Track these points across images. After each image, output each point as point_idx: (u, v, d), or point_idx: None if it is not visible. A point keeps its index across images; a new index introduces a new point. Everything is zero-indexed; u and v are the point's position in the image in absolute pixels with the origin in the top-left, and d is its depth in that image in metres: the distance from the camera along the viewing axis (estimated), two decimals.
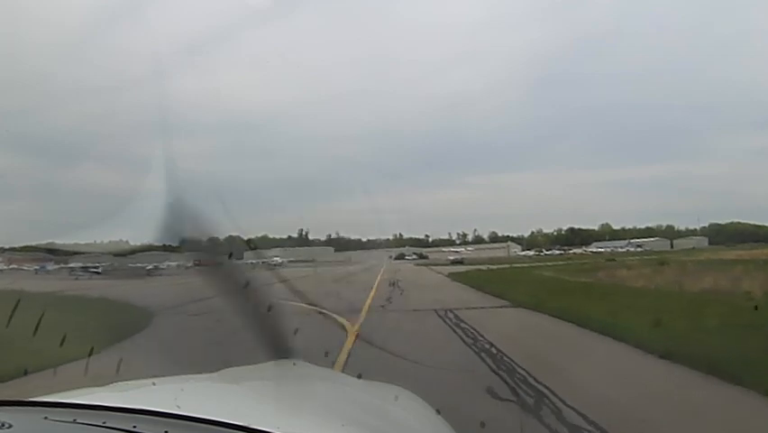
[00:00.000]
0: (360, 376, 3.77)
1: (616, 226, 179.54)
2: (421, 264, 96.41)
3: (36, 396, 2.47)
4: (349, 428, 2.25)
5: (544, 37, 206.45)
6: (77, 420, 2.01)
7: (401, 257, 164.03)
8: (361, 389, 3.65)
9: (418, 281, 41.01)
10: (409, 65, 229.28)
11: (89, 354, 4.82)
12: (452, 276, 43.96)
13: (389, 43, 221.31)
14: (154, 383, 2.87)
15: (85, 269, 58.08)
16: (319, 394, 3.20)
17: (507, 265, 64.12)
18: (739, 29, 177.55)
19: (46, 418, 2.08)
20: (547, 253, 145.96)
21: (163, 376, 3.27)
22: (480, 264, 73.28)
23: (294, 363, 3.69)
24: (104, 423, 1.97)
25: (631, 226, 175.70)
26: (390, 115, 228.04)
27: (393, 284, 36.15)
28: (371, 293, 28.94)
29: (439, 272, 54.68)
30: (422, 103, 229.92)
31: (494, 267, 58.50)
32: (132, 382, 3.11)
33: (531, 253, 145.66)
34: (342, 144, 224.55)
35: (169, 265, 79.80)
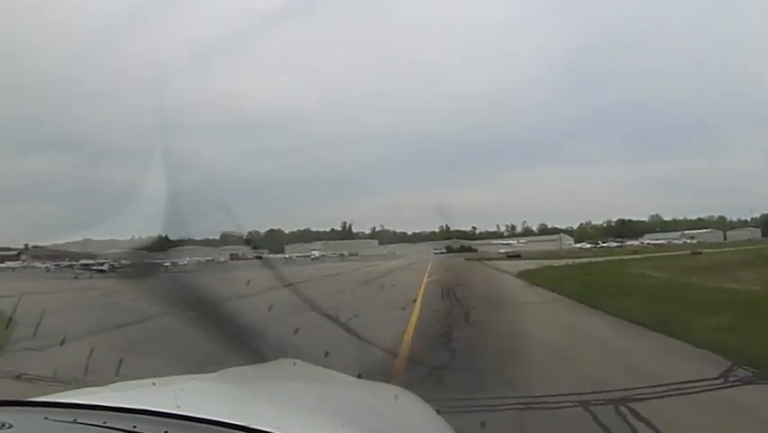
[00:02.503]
0: (360, 376, 3.78)
1: (666, 217, 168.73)
2: (472, 259, 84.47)
3: (36, 396, 2.50)
4: (349, 428, 2.21)
5: (582, 31, 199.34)
6: (78, 420, 2.00)
7: (449, 250, 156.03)
8: (361, 389, 3.59)
9: (484, 288, 28.70)
10: (448, 61, 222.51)
11: None
12: (525, 277, 33.67)
13: (426, 41, 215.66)
14: (154, 383, 2.82)
15: (86, 266, 48.12)
16: (319, 394, 3.15)
17: (576, 260, 52.06)
18: None
19: (46, 418, 2.07)
20: (603, 245, 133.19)
21: (163, 376, 3.21)
22: (540, 258, 62.96)
23: (294, 363, 3.89)
24: (104, 423, 1.96)
25: (681, 217, 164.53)
26: (429, 111, 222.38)
27: (448, 294, 24.06)
28: (411, 319, 16.00)
29: (502, 270, 43.27)
30: (465, 98, 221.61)
31: (561, 262, 47.62)
32: (132, 382, 3.11)
33: (587, 245, 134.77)
34: (384, 138, 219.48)
35: (191, 261, 72.58)
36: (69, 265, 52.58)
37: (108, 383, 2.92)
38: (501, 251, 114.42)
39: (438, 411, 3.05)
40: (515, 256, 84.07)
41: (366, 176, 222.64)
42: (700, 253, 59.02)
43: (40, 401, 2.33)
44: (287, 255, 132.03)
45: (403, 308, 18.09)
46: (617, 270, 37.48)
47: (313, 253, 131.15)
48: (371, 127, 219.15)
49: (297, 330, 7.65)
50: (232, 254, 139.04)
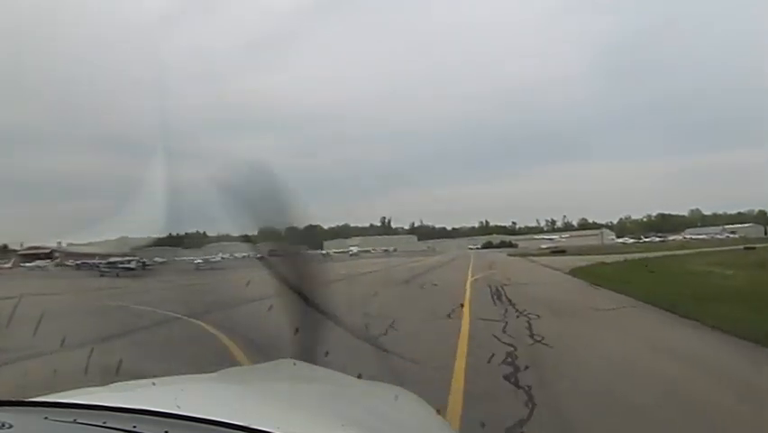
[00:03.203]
0: (360, 376, 3.57)
1: (706, 212, 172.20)
2: (514, 255, 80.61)
3: (36, 396, 2.41)
4: (349, 428, 2.14)
5: (619, 24, 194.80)
6: (78, 420, 1.97)
7: (489, 245, 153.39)
8: (361, 389, 3.46)
9: (538, 289, 23.64)
10: (486, 55, 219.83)
11: None
12: (580, 275, 29.90)
13: (464, 35, 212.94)
14: (154, 383, 2.78)
15: (111, 264, 45.53)
16: (319, 394, 3.07)
17: (627, 256, 48.08)
18: None
19: (46, 418, 2.04)
20: (646, 240, 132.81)
21: (163, 377, 3.19)
22: (586, 254, 59.78)
23: (294, 363, 3.70)
24: (104, 423, 1.92)
25: (721, 212, 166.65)
26: (470, 105, 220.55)
27: (498, 296, 20.25)
28: (460, 333, 12.30)
29: (551, 267, 39.67)
30: (507, 91, 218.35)
31: (613, 258, 44.82)
32: (132, 382, 3.09)
33: (629, 240, 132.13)
34: (424, 133, 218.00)
35: (224, 257, 71.02)
36: (96, 264, 50.12)
37: (108, 383, 2.81)
38: (543, 246, 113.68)
39: (438, 411, 3.05)
40: (559, 252, 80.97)
41: (405, 171, 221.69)
42: (753, 247, 56.14)
43: (40, 401, 2.27)
44: (324, 251, 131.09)
45: (449, 316, 14.84)
46: (680, 267, 33.88)
47: (351, 249, 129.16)
48: (411, 122, 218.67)
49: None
50: (269, 251, 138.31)
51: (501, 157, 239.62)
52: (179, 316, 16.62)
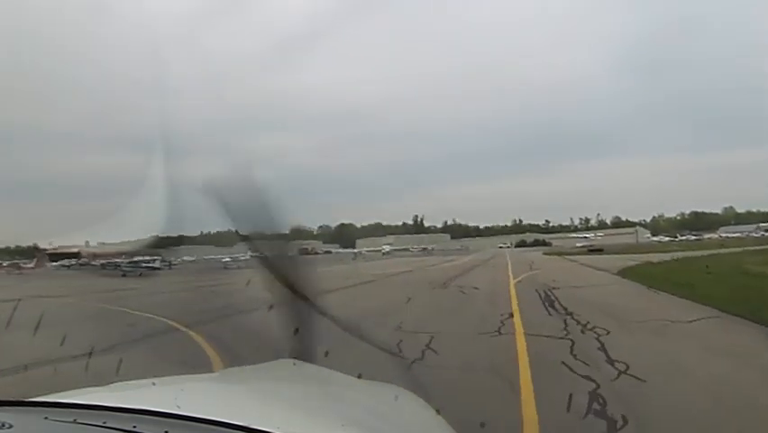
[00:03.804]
0: (360, 376, 3.40)
1: (739, 210, 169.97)
2: (551, 254, 77.37)
3: (36, 396, 2.37)
4: (349, 428, 2.11)
5: (653, 17, 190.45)
6: (78, 420, 1.95)
7: (522, 244, 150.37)
8: (361, 389, 3.38)
9: (592, 294, 19.93)
10: (517, 54, 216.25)
11: None
12: (631, 277, 27.06)
13: (495, 31, 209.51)
14: (154, 383, 2.74)
15: (134, 264, 43.60)
16: (319, 394, 3.02)
17: (672, 255, 44.93)
18: None
19: (46, 418, 2.02)
20: (681, 238, 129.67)
21: (163, 376, 3.16)
22: (624, 253, 57.30)
23: (294, 363, 3.60)
24: (104, 423, 1.91)
25: (755, 209, 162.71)
26: (503, 101, 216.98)
27: (551, 303, 17.08)
28: (518, 358, 9.42)
29: (595, 267, 36.68)
30: (535, 89, 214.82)
31: (658, 257, 41.89)
32: (132, 382, 3.06)
33: (665, 238, 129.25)
34: (456, 131, 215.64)
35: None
36: (115, 264, 48.32)
37: (108, 383, 2.78)
38: (578, 244, 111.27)
39: (438, 411, 2.85)
40: (597, 250, 77.77)
41: (437, 169, 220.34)
42: None
43: (40, 401, 2.24)
44: (356, 250, 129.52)
45: (499, 332, 12.08)
46: (736, 267, 30.26)
47: (384, 247, 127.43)
48: (441, 120, 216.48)
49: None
50: (301, 249, 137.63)
51: (534, 155, 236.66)
52: (176, 325, 14.48)
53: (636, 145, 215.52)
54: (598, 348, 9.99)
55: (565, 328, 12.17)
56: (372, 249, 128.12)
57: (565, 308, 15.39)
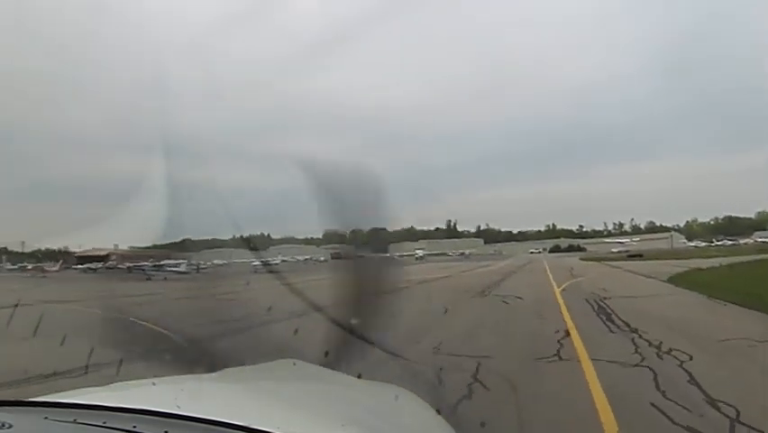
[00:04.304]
0: (360, 376, 3.40)
1: None
2: (588, 259, 74.49)
3: (36, 396, 2.37)
4: (349, 428, 2.11)
5: (683, 16, 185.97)
6: (78, 420, 1.94)
7: (556, 249, 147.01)
8: (361, 389, 3.33)
9: (649, 305, 17.59)
10: (552, 55, 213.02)
11: None
12: (685, 284, 24.66)
13: (526, 35, 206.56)
14: (154, 383, 2.76)
15: (159, 267, 42.01)
16: (319, 394, 3.02)
17: (719, 260, 41.99)
18: None
19: (46, 418, 2.01)
20: (717, 243, 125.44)
21: (163, 376, 3.21)
22: (665, 258, 54.44)
23: (294, 363, 3.65)
24: (104, 423, 1.90)
25: None
26: (537, 103, 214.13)
27: (608, 318, 14.48)
28: (595, 407, 6.68)
29: (641, 274, 34.45)
30: (570, 91, 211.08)
31: (706, 263, 39.01)
32: (132, 382, 3.07)
33: (701, 243, 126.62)
34: (489, 134, 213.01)
35: (284, 260, 67.87)
36: (141, 267, 46.86)
37: (108, 383, 2.79)
38: (614, 250, 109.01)
39: (438, 411, 2.86)
40: (636, 256, 75.25)
41: (471, 173, 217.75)
42: None
43: (40, 401, 2.24)
44: (389, 255, 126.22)
45: (558, 355, 9.87)
46: None
47: (417, 252, 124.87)
48: (475, 122, 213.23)
49: None
50: (333, 253, 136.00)
51: (567, 158, 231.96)
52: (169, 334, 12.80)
53: (668, 148, 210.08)
54: (689, 381, 7.84)
55: (637, 351, 10.01)
56: (405, 254, 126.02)
57: (627, 324, 13.18)
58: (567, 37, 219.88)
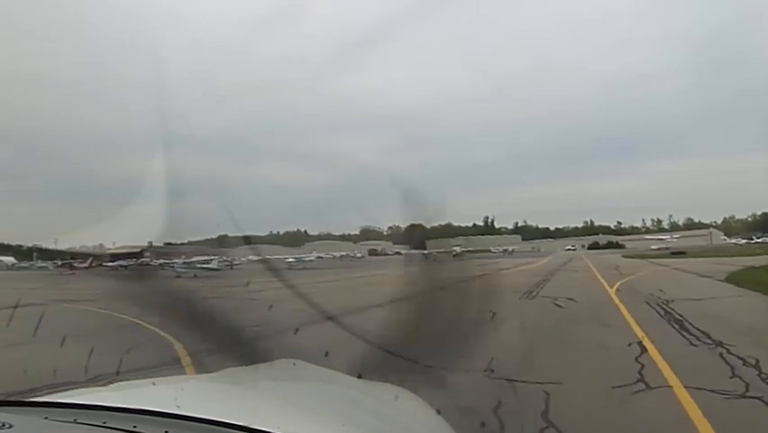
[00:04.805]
0: (359, 376, 3.31)
1: None
2: (630, 257, 71.22)
3: (36, 396, 2.42)
4: (349, 428, 2.10)
5: (724, 9, 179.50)
6: (78, 420, 1.90)
7: (595, 246, 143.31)
8: (361, 389, 3.21)
9: (718, 308, 15.76)
10: (589, 49, 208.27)
11: None
12: (748, 285, 22.19)
13: (565, 27, 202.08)
14: (154, 383, 2.75)
15: (189, 264, 40.30)
16: (319, 394, 2.93)
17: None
18: None
19: (46, 418, 1.96)
20: (758, 240, 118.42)
21: (163, 376, 3.53)
22: (707, 256, 51.59)
23: (294, 363, 3.56)
24: (104, 423, 1.85)
25: None
26: (574, 99, 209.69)
27: (680, 325, 12.39)
28: None
29: (691, 272, 31.93)
30: (608, 86, 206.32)
31: (758, 261, 35.96)
32: (132, 382, 3.04)
33: (741, 240, 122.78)
34: (527, 130, 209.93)
35: (319, 257, 66.61)
36: (171, 263, 45.38)
37: (108, 383, 2.71)
38: (654, 247, 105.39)
39: (438, 411, 2.78)
40: (679, 253, 72.25)
41: (508, 169, 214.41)
42: None
43: (40, 401, 2.20)
44: (426, 251, 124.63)
45: (643, 382, 7.68)
46: None
47: (454, 248, 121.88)
48: (513, 118, 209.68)
49: None
50: (371, 250, 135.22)
51: (604, 155, 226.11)
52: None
53: (706, 144, 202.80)
54: None
55: (734, 374, 8.00)
56: (443, 250, 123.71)
57: (706, 334, 11.05)
58: (602, 33, 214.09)
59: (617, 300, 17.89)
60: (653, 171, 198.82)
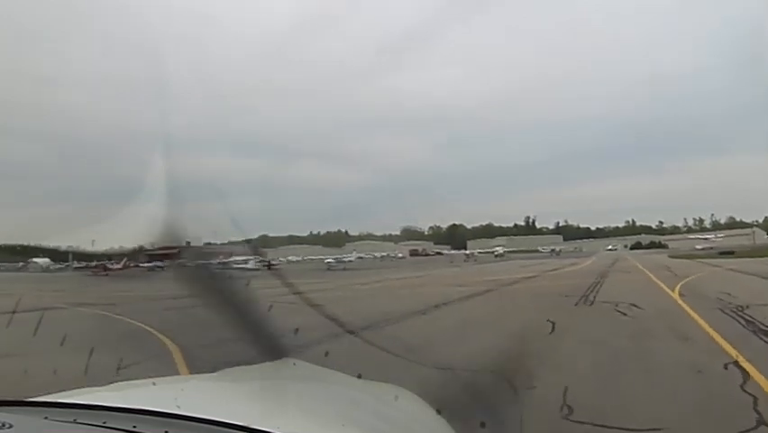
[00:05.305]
0: (360, 376, 3.19)
1: None
2: (677, 257, 68.07)
3: (36, 396, 2.26)
4: (349, 428, 2.06)
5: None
6: (78, 420, 1.85)
7: (638, 246, 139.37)
8: (361, 389, 3.19)
9: None
10: (629, 49, 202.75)
11: None
12: None
13: (607, 24, 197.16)
14: (154, 383, 2.71)
15: (224, 265, 38.55)
16: (319, 394, 2.87)
17: None
18: None
19: (46, 418, 1.91)
20: None
21: (163, 376, 3.29)
22: (757, 256, 48.37)
23: (294, 363, 3.47)
24: (104, 423, 1.80)
25: None
26: (615, 98, 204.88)
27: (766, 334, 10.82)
28: None
29: (759, 276, 28.51)
30: (649, 83, 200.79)
31: None
32: (132, 382, 2.98)
33: None
34: (567, 129, 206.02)
35: (360, 257, 65.44)
36: (205, 264, 44.22)
37: (108, 383, 2.69)
38: (698, 246, 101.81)
39: (438, 411, 2.65)
40: (727, 253, 69.40)
41: (549, 169, 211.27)
42: None
43: (40, 401, 2.15)
44: (468, 251, 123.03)
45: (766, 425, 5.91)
46: None
47: (496, 249, 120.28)
48: (553, 121, 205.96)
49: None
50: (412, 250, 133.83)
51: (645, 154, 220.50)
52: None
53: (747, 142, 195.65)
54: None
55: None
56: (484, 250, 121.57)
57: None
58: (642, 30, 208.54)
59: (685, 307, 15.72)
60: (695, 170, 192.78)
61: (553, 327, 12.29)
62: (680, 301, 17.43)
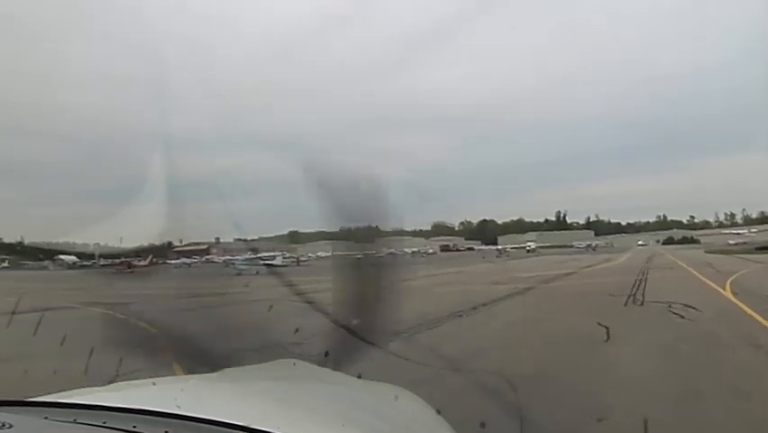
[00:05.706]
0: (359, 376, 3.18)
1: None
2: (713, 252, 65.35)
3: (36, 396, 2.22)
4: (349, 428, 2.02)
5: None
6: (78, 420, 1.83)
7: (670, 241, 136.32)
8: (361, 389, 3.12)
9: None
10: (653, 43, 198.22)
11: None
12: None
13: (632, 19, 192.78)
14: (154, 383, 2.64)
15: (251, 261, 37.10)
16: (319, 394, 2.84)
17: None
18: None
19: (46, 418, 1.89)
20: None
21: (163, 376, 3.26)
22: None
23: (294, 363, 3.57)
24: (104, 423, 1.77)
25: None
26: (647, 93, 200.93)
27: None
28: None
29: None
30: (679, 78, 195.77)
31: None
32: (132, 382, 2.98)
33: None
34: (599, 124, 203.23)
35: (390, 253, 64.33)
36: (234, 260, 43.28)
37: (108, 383, 2.67)
38: (731, 241, 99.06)
39: (438, 411, 2.66)
40: (764, 248, 66.58)
41: (580, 165, 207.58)
42: None
43: (40, 401, 2.11)
44: (499, 247, 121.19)
45: None
46: None
47: (528, 244, 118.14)
48: (585, 113, 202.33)
49: None
50: (442, 246, 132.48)
51: (676, 149, 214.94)
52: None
53: None
54: None
55: None
56: (516, 246, 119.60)
57: None
58: (673, 23, 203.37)
59: (744, 307, 14.26)
60: (726, 165, 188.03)
61: (608, 333, 11.07)
62: (735, 300, 16.00)
